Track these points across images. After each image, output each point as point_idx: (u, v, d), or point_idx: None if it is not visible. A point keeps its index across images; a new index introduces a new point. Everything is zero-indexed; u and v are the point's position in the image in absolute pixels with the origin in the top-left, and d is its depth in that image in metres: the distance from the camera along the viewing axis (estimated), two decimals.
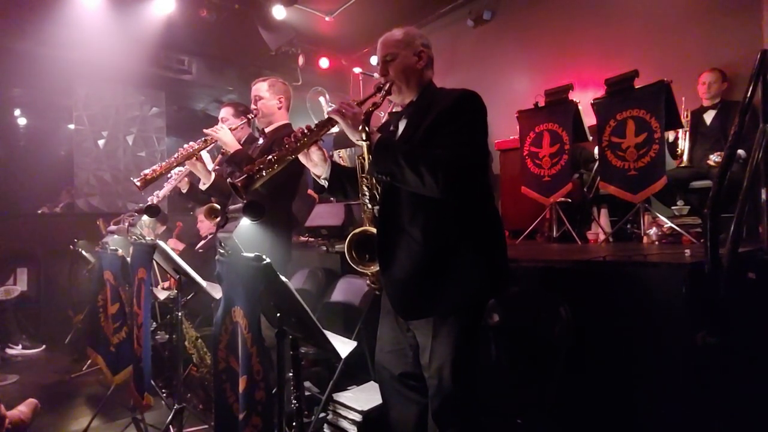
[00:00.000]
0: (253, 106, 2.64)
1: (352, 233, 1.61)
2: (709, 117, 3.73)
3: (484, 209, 1.63)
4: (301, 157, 1.70)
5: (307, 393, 2.50)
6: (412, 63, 1.66)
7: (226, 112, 2.94)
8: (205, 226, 4.05)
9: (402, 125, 1.68)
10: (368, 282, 1.72)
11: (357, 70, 5.18)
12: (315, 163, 1.73)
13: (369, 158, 1.56)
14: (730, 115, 3.51)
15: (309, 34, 6.50)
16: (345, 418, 2.31)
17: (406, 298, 1.57)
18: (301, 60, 6.77)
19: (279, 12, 5.73)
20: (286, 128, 2.60)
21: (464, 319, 1.55)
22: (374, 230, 1.62)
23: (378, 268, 1.60)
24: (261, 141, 2.65)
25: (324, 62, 7.07)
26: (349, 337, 2.09)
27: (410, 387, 1.68)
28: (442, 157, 1.46)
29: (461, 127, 1.52)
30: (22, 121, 6.49)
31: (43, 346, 4.56)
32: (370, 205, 1.67)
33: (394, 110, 1.79)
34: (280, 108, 2.63)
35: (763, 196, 2.38)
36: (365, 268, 1.64)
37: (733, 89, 3.74)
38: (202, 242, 3.96)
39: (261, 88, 2.63)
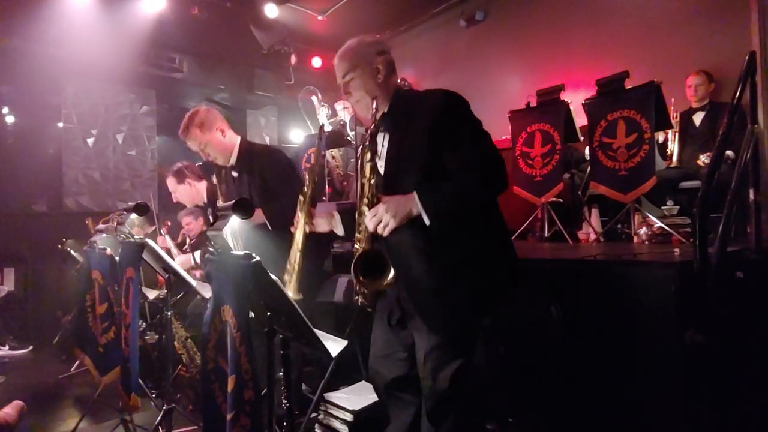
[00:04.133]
0: (205, 157, 2.55)
1: (356, 257, 1.51)
2: (698, 118, 3.77)
3: (489, 214, 1.60)
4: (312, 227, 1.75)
5: (300, 392, 2.49)
6: (373, 78, 1.60)
7: (172, 186, 2.90)
8: (194, 227, 4.01)
9: (385, 140, 1.61)
10: (360, 300, 1.65)
11: None
12: (326, 227, 1.74)
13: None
14: (719, 116, 3.55)
15: (301, 32, 6.48)
16: (336, 418, 2.30)
17: (429, 307, 1.53)
18: (293, 59, 6.75)
19: (271, 10, 5.71)
20: (246, 148, 2.53)
21: (464, 322, 1.55)
22: (375, 249, 1.51)
23: (386, 281, 1.49)
24: (236, 175, 2.54)
25: (316, 61, 7.05)
26: (341, 337, 2.09)
27: (404, 389, 1.68)
28: (473, 173, 1.44)
29: (469, 133, 1.50)
30: (9, 119, 6.41)
31: (31, 347, 4.50)
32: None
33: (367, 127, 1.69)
34: (224, 135, 2.49)
35: (751, 197, 2.41)
36: (376, 285, 1.51)
37: (721, 91, 3.79)
38: (191, 242, 3.93)
39: (194, 139, 2.46)
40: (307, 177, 1.83)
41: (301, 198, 1.79)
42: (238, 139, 2.56)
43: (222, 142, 2.49)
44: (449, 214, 1.45)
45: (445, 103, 1.53)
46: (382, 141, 1.62)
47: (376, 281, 1.47)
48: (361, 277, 1.47)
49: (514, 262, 1.65)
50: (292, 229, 1.82)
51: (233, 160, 2.53)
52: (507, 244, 1.66)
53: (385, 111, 1.62)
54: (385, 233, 1.44)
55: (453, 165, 1.48)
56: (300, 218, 1.77)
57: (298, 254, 1.80)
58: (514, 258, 1.64)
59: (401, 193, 1.48)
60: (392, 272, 1.45)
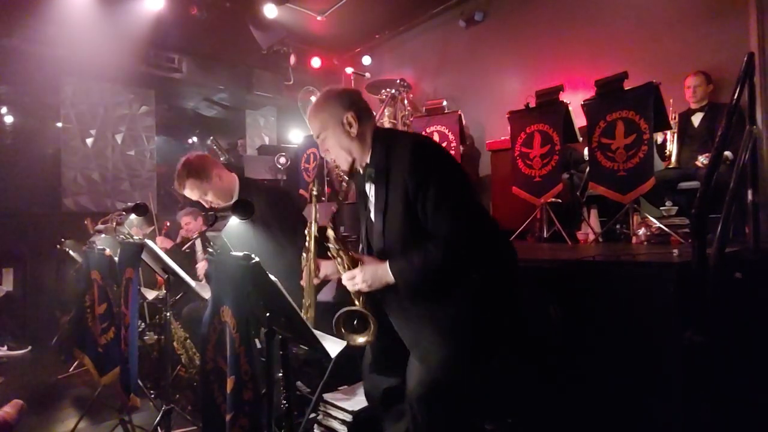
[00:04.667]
0: (207, 207, 2.49)
1: (338, 316, 1.58)
2: (696, 119, 3.77)
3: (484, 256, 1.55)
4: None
5: (297, 393, 2.49)
6: (345, 134, 1.60)
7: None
8: (193, 227, 4.02)
9: (371, 191, 1.65)
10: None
11: (349, 70, 5.17)
12: (336, 274, 1.75)
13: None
14: (718, 117, 3.55)
15: (301, 33, 6.48)
16: (335, 418, 2.30)
17: (426, 351, 1.54)
18: (292, 59, 6.75)
19: (270, 10, 5.70)
20: (245, 189, 2.47)
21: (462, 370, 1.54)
22: (359, 308, 1.58)
23: (367, 338, 1.57)
24: None
25: (316, 62, 7.05)
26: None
27: (398, 400, 1.68)
28: (434, 251, 1.45)
29: (437, 194, 1.47)
30: (8, 119, 6.40)
31: (30, 347, 4.49)
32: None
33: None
34: (221, 178, 2.45)
35: (750, 197, 2.42)
36: (356, 341, 1.59)
37: (720, 92, 3.79)
38: (190, 243, 3.93)
39: (192, 189, 2.41)
40: (306, 233, 1.85)
41: (304, 255, 1.83)
42: (236, 179, 2.50)
43: (221, 186, 2.43)
44: (420, 284, 1.49)
45: (412, 160, 1.51)
46: (370, 191, 1.65)
47: (357, 336, 1.55)
48: (342, 331, 1.54)
49: (515, 307, 1.63)
50: (302, 283, 1.86)
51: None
52: (507, 285, 1.60)
53: (368, 162, 1.63)
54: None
55: (426, 228, 1.51)
56: (305, 275, 1.82)
57: (311, 304, 1.87)
58: (515, 302, 1.63)
59: (395, 242, 1.55)
60: (373, 329, 1.52)
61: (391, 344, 1.66)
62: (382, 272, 1.52)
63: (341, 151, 1.62)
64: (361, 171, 1.67)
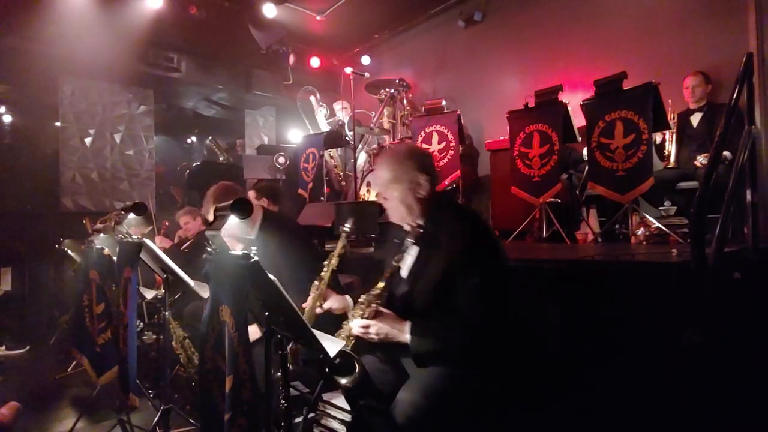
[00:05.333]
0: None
1: (324, 360, 1.60)
2: (695, 119, 3.78)
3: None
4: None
5: (296, 393, 2.48)
6: (413, 192, 1.66)
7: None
8: (192, 226, 4.01)
9: (413, 252, 1.70)
10: None
11: (348, 69, 5.15)
12: (338, 308, 1.86)
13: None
14: (717, 117, 3.55)
15: (300, 32, 6.48)
16: (334, 418, 2.30)
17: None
18: (291, 59, 6.75)
19: (269, 10, 5.70)
20: (267, 216, 2.45)
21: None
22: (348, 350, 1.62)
23: (351, 380, 1.59)
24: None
25: (315, 61, 7.05)
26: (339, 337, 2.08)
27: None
28: (458, 330, 1.52)
29: (473, 280, 1.52)
30: (6, 119, 6.39)
31: (28, 347, 4.48)
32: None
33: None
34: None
35: (748, 197, 2.42)
36: (340, 382, 1.62)
37: (719, 92, 3.79)
38: (188, 242, 3.92)
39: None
40: (326, 262, 1.90)
41: (316, 282, 1.88)
42: (261, 212, 2.46)
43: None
44: (432, 356, 1.56)
45: (462, 239, 1.58)
46: (410, 248, 1.71)
47: (340, 377, 1.58)
48: (327, 371, 1.58)
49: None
50: (303, 305, 1.90)
51: (254, 233, 2.42)
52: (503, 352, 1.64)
53: (421, 223, 1.68)
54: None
55: (454, 305, 1.55)
56: (309, 303, 1.88)
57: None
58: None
59: (416, 303, 1.61)
60: (356, 376, 1.55)
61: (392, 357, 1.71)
62: (398, 332, 1.57)
63: (401, 206, 1.67)
64: (408, 228, 1.72)
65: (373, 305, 1.64)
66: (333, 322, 2.33)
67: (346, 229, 1.93)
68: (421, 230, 1.67)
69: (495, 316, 1.55)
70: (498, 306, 1.57)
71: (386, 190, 1.69)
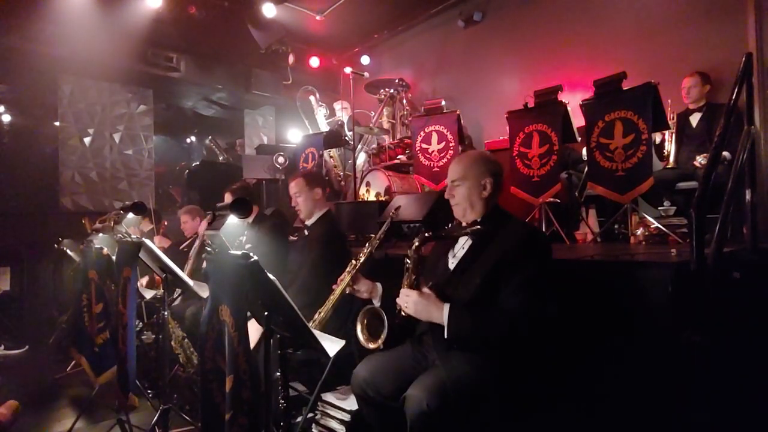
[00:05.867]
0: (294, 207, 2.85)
1: (364, 310, 1.81)
2: (695, 119, 3.78)
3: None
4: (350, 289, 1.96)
5: (295, 393, 2.48)
6: (477, 192, 1.78)
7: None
8: (189, 226, 4.02)
9: (465, 245, 1.80)
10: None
11: (347, 69, 5.16)
12: (365, 294, 1.93)
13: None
14: (716, 117, 3.55)
15: (299, 32, 6.48)
16: (333, 417, 2.30)
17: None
18: (291, 59, 6.75)
19: (269, 10, 5.70)
20: (326, 216, 2.83)
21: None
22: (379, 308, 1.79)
23: (374, 346, 1.76)
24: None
25: (314, 61, 7.05)
26: (338, 336, 2.08)
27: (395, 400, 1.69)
28: (506, 325, 1.57)
29: (531, 278, 1.60)
30: (5, 118, 6.38)
31: (27, 347, 4.48)
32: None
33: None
34: (317, 198, 2.79)
35: (748, 197, 2.42)
36: (365, 342, 1.79)
37: (718, 92, 3.80)
38: (187, 242, 3.92)
39: (296, 186, 2.78)
40: (365, 248, 2.03)
41: (354, 262, 1.99)
42: (328, 209, 2.86)
43: (312, 201, 2.78)
44: (467, 340, 1.61)
45: (527, 240, 1.67)
46: (463, 244, 1.81)
47: (369, 341, 1.74)
48: (359, 326, 1.77)
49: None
50: (334, 287, 2.01)
51: (310, 222, 2.81)
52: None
53: (477, 219, 1.79)
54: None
55: (500, 297, 1.62)
56: (345, 278, 1.97)
57: (330, 306, 2.03)
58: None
59: (459, 292, 1.68)
60: (383, 337, 1.70)
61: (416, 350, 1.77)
62: (435, 309, 1.63)
63: (465, 202, 1.80)
64: (464, 223, 1.83)
65: (414, 273, 1.73)
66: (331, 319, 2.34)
67: (392, 216, 2.08)
68: (479, 227, 1.75)
69: (543, 317, 1.58)
70: (546, 308, 1.60)
71: (454, 187, 1.82)
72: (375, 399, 1.75)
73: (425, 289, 1.70)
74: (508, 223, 1.76)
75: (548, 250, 1.73)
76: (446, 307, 1.62)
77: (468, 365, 1.59)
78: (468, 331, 1.59)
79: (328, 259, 2.55)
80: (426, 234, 1.73)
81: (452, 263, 1.80)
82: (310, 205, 2.77)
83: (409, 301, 1.66)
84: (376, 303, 1.90)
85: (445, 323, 1.60)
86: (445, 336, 1.61)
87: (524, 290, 1.59)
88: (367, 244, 2.05)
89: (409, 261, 1.73)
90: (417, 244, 1.71)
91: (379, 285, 1.96)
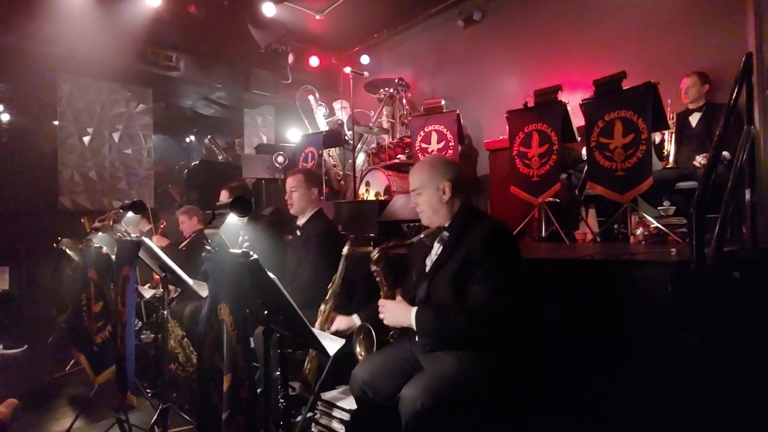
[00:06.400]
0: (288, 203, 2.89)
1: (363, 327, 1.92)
2: (694, 119, 3.78)
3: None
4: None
5: (294, 392, 2.48)
6: (437, 197, 1.82)
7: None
8: (187, 226, 4.01)
9: (438, 248, 1.85)
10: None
11: (347, 69, 5.16)
12: (346, 330, 2.04)
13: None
14: (716, 117, 3.55)
15: (299, 32, 6.47)
16: (333, 417, 2.29)
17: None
18: (290, 58, 6.74)
19: (269, 9, 5.69)
20: (317, 215, 2.86)
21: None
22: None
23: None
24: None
25: (314, 61, 7.04)
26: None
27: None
28: (471, 320, 1.61)
29: (490, 270, 1.64)
30: (4, 117, 6.38)
31: (26, 346, 4.47)
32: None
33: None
34: (311, 196, 2.84)
35: (747, 197, 2.42)
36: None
37: (718, 92, 3.80)
38: (186, 241, 3.92)
39: (293, 182, 2.83)
40: (329, 287, 2.16)
41: (322, 306, 2.11)
42: (319, 208, 2.89)
43: (307, 199, 2.84)
44: (435, 338, 1.66)
45: (488, 236, 1.70)
46: (438, 249, 1.86)
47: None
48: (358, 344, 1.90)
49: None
50: (316, 325, 2.13)
51: (302, 221, 2.88)
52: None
53: (446, 225, 1.84)
54: None
55: (467, 293, 1.67)
56: (318, 322, 2.12)
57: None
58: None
59: (434, 294, 1.75)
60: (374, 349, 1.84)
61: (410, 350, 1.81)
62: (405, 315, 1.70)
63: (428, 209, 1.84)
64: (435, 229, 1.87)
65: (386, 284, 1.84)
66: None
67: (344, 253, 2.13)
68: (446, 231, 1.81)
69: (504, 307, 1.61)
70: (508, 298, 1.63)
71: (416, 196, 1.87)
72: (374, 400, 1.75)
73: (398, 297, 1.80)
74: (476, 222, 1.79)
75: (510, 243, 1.76)
76: (413, 310, 1.68)
77: (453, 363, 1.61)
78: (433, 328, 1.65)
79: (327, 258, 2.54)
80: (385, 245, 1.81)
81: (428, 268, 1.86)
82: (304, 203, 2.80)
83: (384, 311, 1.76)
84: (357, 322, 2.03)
85: (414, 325, 1.66)
86: (416, 338, 1.69)
87: (484, 282, 1.63)
88: (329, 286, 2.16)
89: (375, 274, 1.82)
90: (376, 256, 1.80)
91: (355, 317, 2.05)
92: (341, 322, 2.08)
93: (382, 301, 1.80)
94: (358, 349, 1.87)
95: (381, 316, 1.77)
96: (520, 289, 1.70)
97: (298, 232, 2.81)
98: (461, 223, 1.81)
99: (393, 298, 1.83)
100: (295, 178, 2.79)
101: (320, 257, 2.59)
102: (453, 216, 1.84)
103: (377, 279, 1.85)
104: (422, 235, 1.84)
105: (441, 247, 1.84)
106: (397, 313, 1.74)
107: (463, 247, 1.73)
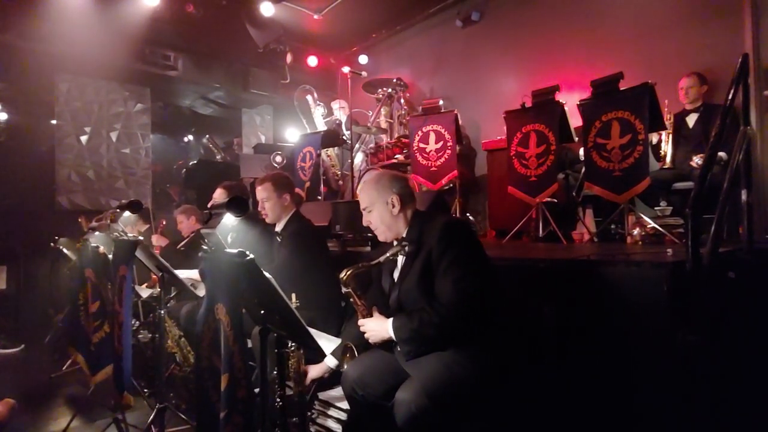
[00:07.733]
0: (261, 212, 2.81)
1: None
2: (691, 120, 3.79)
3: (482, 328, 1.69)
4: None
5: (291, 391, 2.48)
6: (388, 211, 1.85)
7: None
8: (185, 226, 4.01)
9: (401, 261, 1.87)
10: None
11: (345, 69, 5.15)
12: (321, 375, 2.12)
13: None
14: (712, 118, 3.56)
15: (297, 31, 6.47)
16: (330, 416, 2.30)
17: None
18: (289, 58, 6.74)
19: (267, 9, 5.69)
20: (294, 217, 2.77)
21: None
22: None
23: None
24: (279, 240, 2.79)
25: (312, 60, 7.04)
26: (334, 335, 2.09)
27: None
28: (438, 319, 1.61)
29: (450, 263, 1.66)
30: (2, 116, 6.36)
31: (23, 345, 4.46)
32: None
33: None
34: (284, 203, 2.76)
35: (743, 197, 2.43)
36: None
37: (715, 92, 3.81)
38: (185, 241, 3.91)
39: (263, 191, 2.73)
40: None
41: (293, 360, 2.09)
42: (294, 211, 2.79)
43: (280, 206, 2.73)
44: (414, 342, 1.66)
45: (440, 233, 1.72)
46: (400, 262, 1.89)
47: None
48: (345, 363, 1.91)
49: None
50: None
51: (279, 227, 2.78)
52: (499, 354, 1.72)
53: (403, 236, 1.87)
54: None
55: (435, 292, 1.70)
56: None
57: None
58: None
59: (405, 303, 1.79)
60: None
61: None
62: (381, 328, 1.73)
63: (382, 225, 1.87)
64: (395, 243, 1.90)
65: (361, 305, 1.86)
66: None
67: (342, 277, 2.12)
68: (405, 242, 1.84)
69: (470, 295, 1.62)
70: (473, 287, 1.64)
71: (368, 214, 1.89)
72: (366, 399, 1.77)
73: (375, 314, 1.81)
74: (430, 223, 1.81)
75: (465, 234, 1.78)
76: (389, 321, 1.71)
77: (439, 365, 1.62)
78: (408, 332, 1.65)
79: (299, 256, 2.54)
80: (353, 268, 1.82)
81: (396, 278, 1.89)
82: (278, 211, 2.73)
83: (366, 330, 1.78)
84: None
85: (392, 335, 1.68)
86: (398, 348, 1.71)
87: (447, 275, 1.65)
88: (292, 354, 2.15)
89: (348, 296, 1.84)
90: (343, 277, 1.80)
91: (327, 361, 2.07)
92: (313, 370, 2.11)
93: (361, 321, 1.82)
94: (346, 367, 1.90)
95: (365, 336, 1.79)
96: (485, 277, 1.72)
97: (278, 239, 2.75)
98: (417, 227, 1.84)
99: (371, 315, 1.84)
100: (264, 188, 2.70)
101: (290, 254, 2.57)
102: (408, 225, 1.87)
103: (351, 300, 1.87)
104: (388, 254, 1.85)
105: (403, 258, 1.86)
106: (376, 329, 1.75)
107: (422, 251, 1.76)
